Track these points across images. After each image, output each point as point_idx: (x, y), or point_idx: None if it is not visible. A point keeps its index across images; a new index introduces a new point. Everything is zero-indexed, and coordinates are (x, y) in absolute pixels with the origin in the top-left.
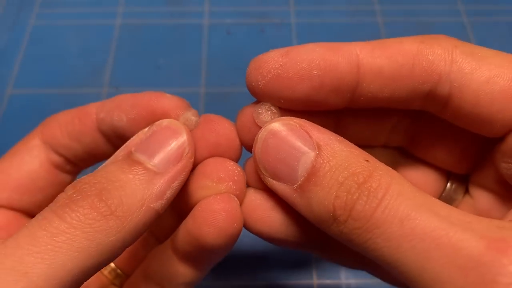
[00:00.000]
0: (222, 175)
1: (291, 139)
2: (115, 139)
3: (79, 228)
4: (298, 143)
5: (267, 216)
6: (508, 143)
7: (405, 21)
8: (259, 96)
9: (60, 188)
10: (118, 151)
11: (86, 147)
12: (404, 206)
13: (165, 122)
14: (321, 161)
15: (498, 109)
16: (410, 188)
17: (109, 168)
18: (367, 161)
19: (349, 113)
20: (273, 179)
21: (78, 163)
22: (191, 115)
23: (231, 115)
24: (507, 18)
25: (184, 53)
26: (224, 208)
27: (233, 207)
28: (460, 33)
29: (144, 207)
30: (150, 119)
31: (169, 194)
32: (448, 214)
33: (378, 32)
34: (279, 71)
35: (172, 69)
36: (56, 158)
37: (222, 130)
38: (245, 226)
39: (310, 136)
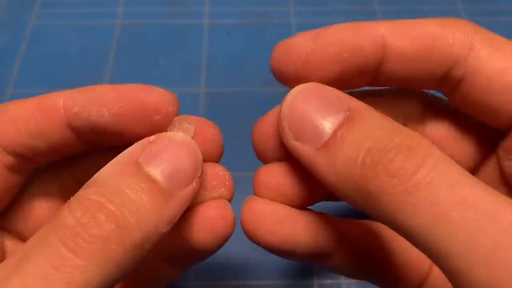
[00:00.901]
0: (214, 183)
1: (322, 99)
2: (91, 136)
3: (96, 264)
4: (328, 102)
5: (278, 228)
6: (511, 140)
7: None
8: (289, 82)
9: (14, 192)
10: (119, 158)
11: (51, 145)
12: (453, 171)
13: (178, 136)
14: (352, 121)
15: (506, 100)
16: (452, 160)
17: (118, 183)
18: (403, 126)
19: (366, 98)
20: (296, 139)
21: (39, 161)
22: (189, 126)
23: (231, 115)
24: (507, 18)
25: (184, 53)
26: (220, 215)
27: (228, 213)
28: None
29: (157, 233)
30: (138, 114)
31: (178, 217)
32: (497, 192)
33: None
34: (310, 56)
35: (172, 69)
36: (11, 160)
37: (209, 135)
38: (253, 238)
39: (341, 100)
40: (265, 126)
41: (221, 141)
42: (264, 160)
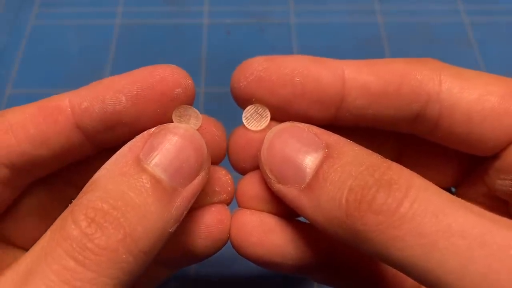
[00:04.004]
0: (217, 188)
1: (299, 138)
2: (102, 133)
3: (106, 275)
4: (306, 141)
5: (265, 239)
6: (503, 160)
7: (405, 21)
8: (240, 99)
9: (4, 206)
10: (118, 155)
11: (55, 152)
12: (435, 199)
13: (181, 128)
14: (332, 159)
15: (490, 127)
16: (434, 185)
17: (120, 185)
18: (382, 158)
19: (334, 131)
20: (280, 183)
21: (38, 172)
22: (195, 121)
23: (231, 115)
24: (507, 18)
25: (184, 53)
26: (220, 221)
27: (227, 218)
28: (460, 33)
29: (165, 234)
30: (158, 91)
31: (185, 213)
32: (482, 212)
33: (378, 32)
34: (262, 74)
35: None
36: (6, 174)
37: (210, 137)
38: (241, 250)
39: (318, 137)
40: (239, 139)
41: (224, 142)
42: (242, 171)
